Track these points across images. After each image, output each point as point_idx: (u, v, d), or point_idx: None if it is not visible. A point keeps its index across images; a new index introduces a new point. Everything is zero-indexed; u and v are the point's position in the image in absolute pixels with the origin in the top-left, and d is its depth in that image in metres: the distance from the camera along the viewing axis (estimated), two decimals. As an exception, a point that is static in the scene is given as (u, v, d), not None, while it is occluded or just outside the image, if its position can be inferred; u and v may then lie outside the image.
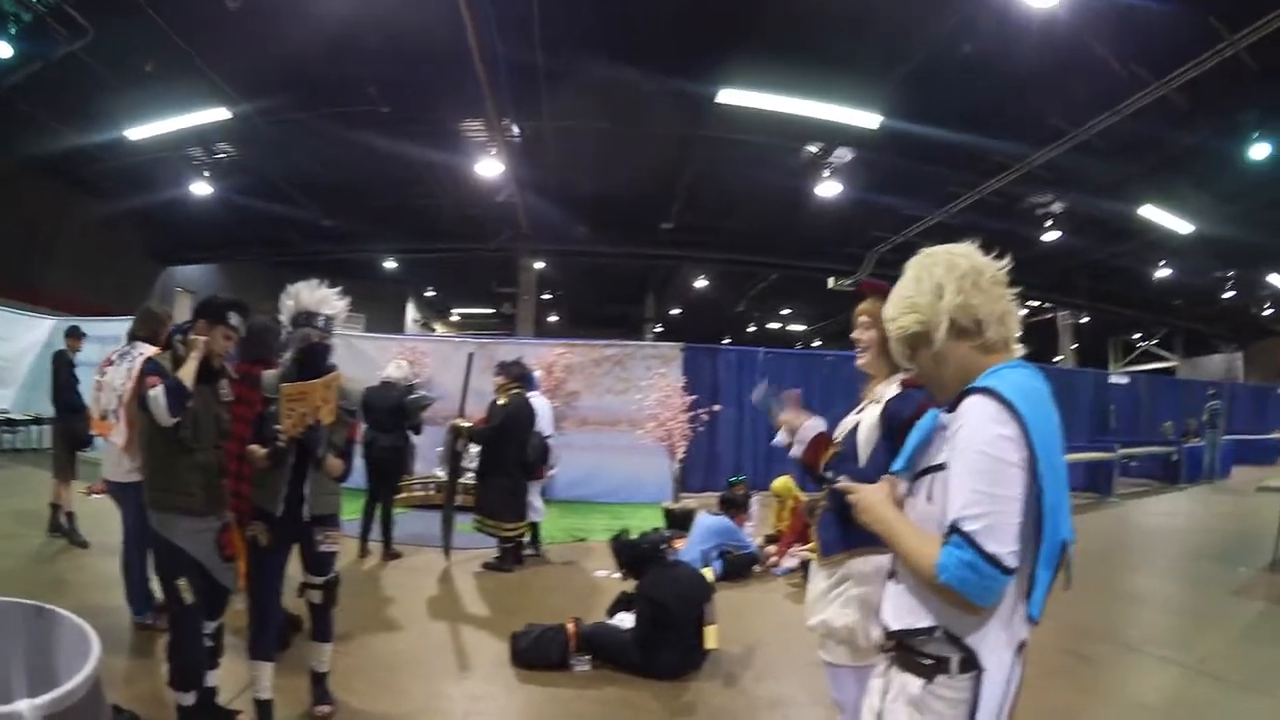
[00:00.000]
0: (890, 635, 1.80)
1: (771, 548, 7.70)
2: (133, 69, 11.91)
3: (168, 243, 21.89)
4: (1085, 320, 25.45)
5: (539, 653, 4.82)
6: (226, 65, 11.65)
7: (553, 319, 29.14)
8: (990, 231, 12.98)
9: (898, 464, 1.93)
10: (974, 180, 13.80)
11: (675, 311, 30.32)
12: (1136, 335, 30.78)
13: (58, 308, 15.98)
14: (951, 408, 1.72)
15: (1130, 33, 9.20)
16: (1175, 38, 8.97)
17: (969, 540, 1.53)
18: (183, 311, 23.82)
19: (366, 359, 10.77)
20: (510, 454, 7.18)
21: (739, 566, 7.25)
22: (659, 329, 29.08)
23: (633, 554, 5.29)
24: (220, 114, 12.96)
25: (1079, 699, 4.53)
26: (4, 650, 2.05)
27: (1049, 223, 15.85)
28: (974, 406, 1.63)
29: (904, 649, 1.75)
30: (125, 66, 11.90)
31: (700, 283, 24.85)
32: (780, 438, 3.11)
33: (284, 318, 3.85)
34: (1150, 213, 15.79)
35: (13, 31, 10.83)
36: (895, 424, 2.44)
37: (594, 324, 27.08)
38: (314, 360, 3.83)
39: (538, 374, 8.57)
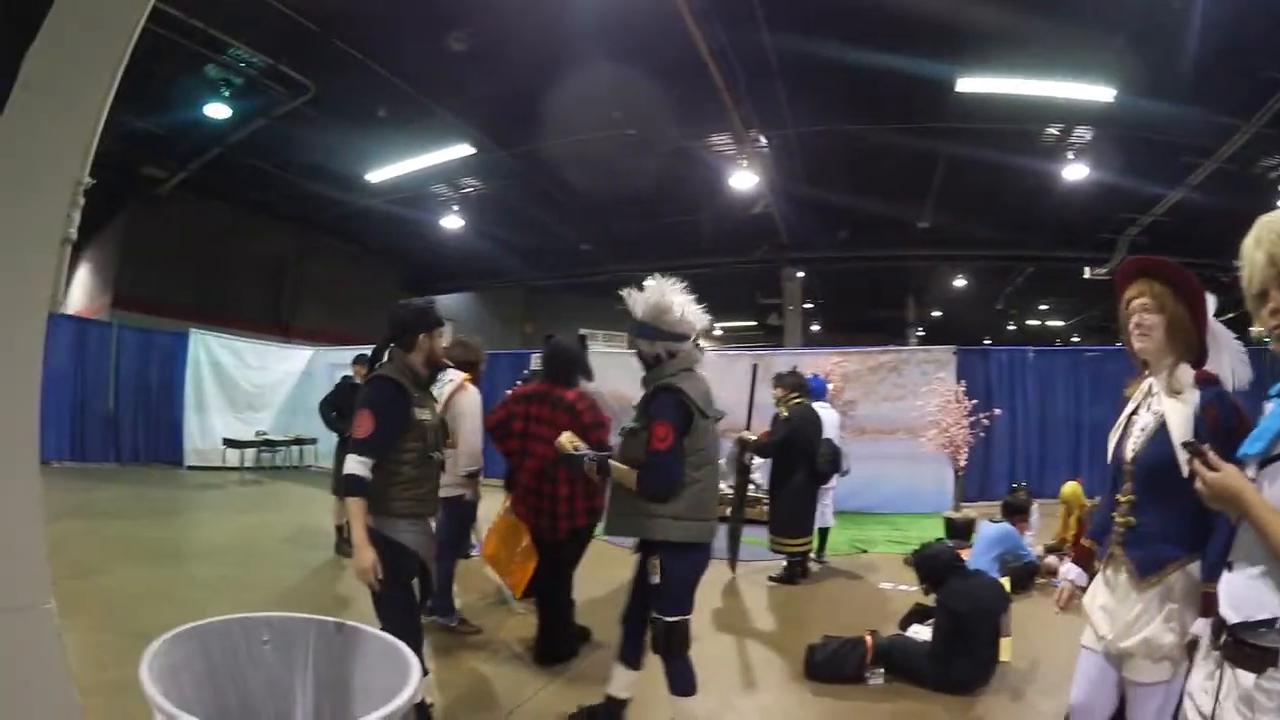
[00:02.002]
0: (1227, 630, 1.69)
1: (1052, 558, 7.17)
2: (363, 116, 12.98)
3: (420, 274, 23.73)
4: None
5: (835, 666, 4.78)
6: (460, 103, 12.40)
7: (815, 328, 28.79)
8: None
9: (1254, 446, 1.72)
10: (1209, 148, 12.34)
11: (936, 314, 29.07)
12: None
13: (308, 339, 18.30)
14: None
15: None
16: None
17: None
18: (444, 341, 25.98)
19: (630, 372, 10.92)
20: (799, 465, 7.10)
21: (1020, 577, 6.81)
22: (920, 333, 27.98)
23: (933, 565, 5.12)
24: (462, 150, 13.82)
25: None
26: (292, 663, 2.18)
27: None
28: None
29: (1238, 643, 1.65)
30: (355, 115, 13.00)
31: (958, 282, 23.77)
32: None
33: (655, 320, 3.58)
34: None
35: (226, 94, 12.21)
36: (1223, 429, 2.22)
37: (856, 331, 26.51)
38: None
39: (830, 385, 8.47)
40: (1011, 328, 31.45)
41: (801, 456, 7.12)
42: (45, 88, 2.14)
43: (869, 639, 4.84)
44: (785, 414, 7.24)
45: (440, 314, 3.72)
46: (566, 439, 3.90)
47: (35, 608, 2.06)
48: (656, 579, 3.52)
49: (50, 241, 2.08)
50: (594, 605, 5.55)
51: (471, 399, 5.49)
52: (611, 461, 3.61)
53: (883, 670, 4.77)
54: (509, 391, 5.77)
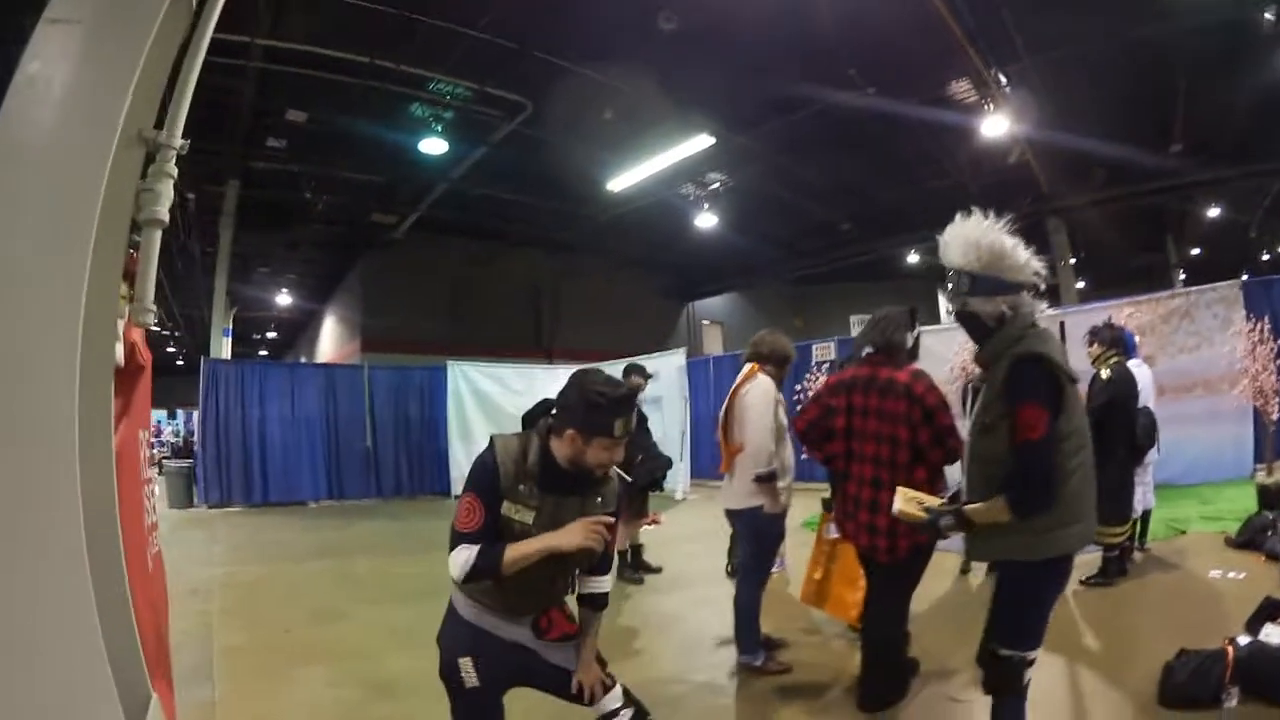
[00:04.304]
0: None
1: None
2: (588, 124, 12.55)
3: (680, 281, 23.56)
4: None
5: (1195, 687, 3.64)
6: (687, 90, 11.67)
7: (1079, 285, 26.38)
8: None
9: None
10: None
11: (1194, 252, 25.91)
12: None
13: (572, 360, 17.88)
14: None
15: None
16: None
17: None
18: (713, 343, 25.69)
19: (935, 356, 9.98)
20: (1118, 436, 5.89)
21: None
22: (1182, 276, 25.01)
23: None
24: (702, 142, 12.95)
25: None
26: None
27: None
28: None
29: None
30: (579, 124, 12.59)
31: (1212, 212, 21.01)
32: None
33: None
34: None
35: (438, 129, 12.12)
36: None
37: (1121, 282, 23.92)
38: None
39: (1136, 337, 7.11)
40: (1266, 258, 27.53)
41: (1121, 426, 5.92)
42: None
43: (1229, 650, 3.71)
44: (1107, 374, 6.06)
45: (615, 422, 2.56)
46: (903, 501, 3.01)
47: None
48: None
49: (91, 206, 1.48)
50: (913, 624, 4.48)
51: (761, 387, 4.70)
52: (968, 508, 2.78)
53: (1237, 688, 3.59)
54: (818, 381, 4.96)
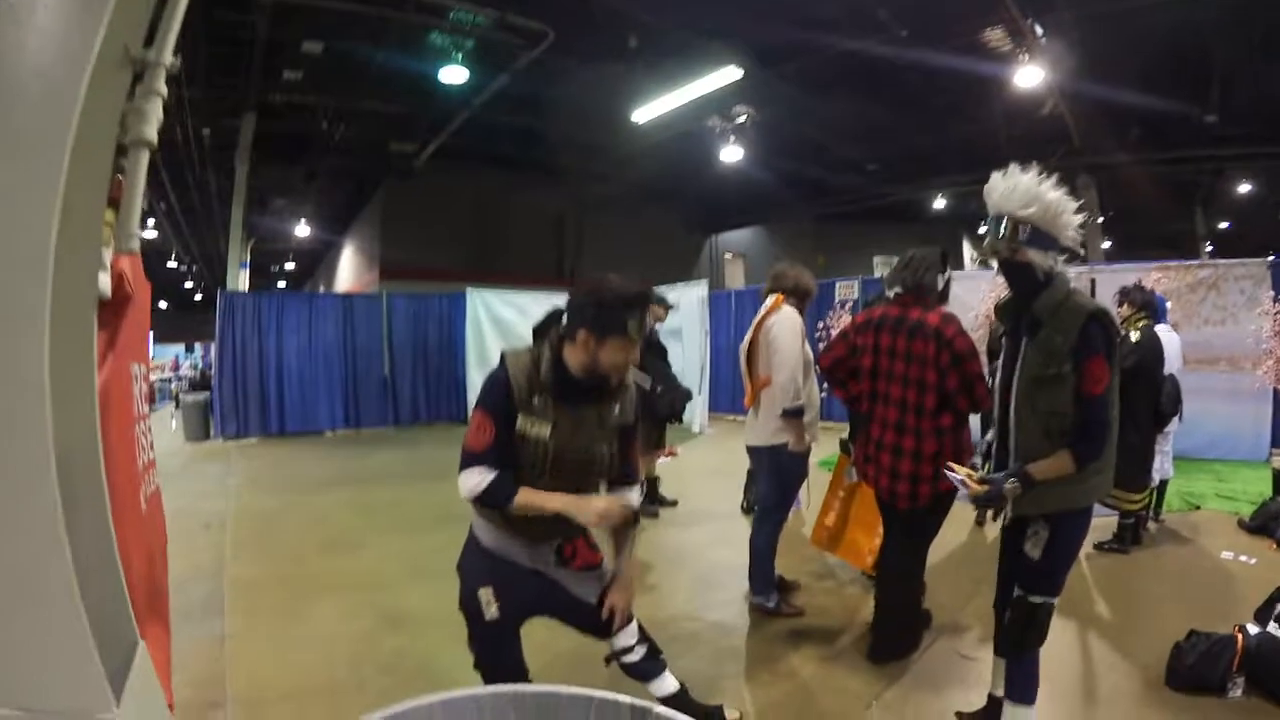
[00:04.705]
0: None
1: None
2: (612, 53, 12.19)
3: (704, 214, 23.37)
4: None
5: (1202, 672, 3.55)
6: (714, 20, 11.29)
7: (1106, 245, 25.96)
8: None
9: None
10: None
11: (1223, 226, 25.36)
12: None
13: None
14: None
15: None
16: None
17: None
18: (735, 277, 25.58)
19: (960, 303, 9.57)
20: (1142, 401, 5.73)
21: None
22: (1209, 248, 24.60)
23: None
24: (729, 75, 12.55)
25: None
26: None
27: None
28: None
29: None
30: (603, 53, 12.24)
31: (1243, 187, 20.69)
32: None
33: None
34: None
35: (459, 58, 11.83)
36: None
37: (1147, 247, 23.53)
38: None
39: (1167, 302, 6.90)
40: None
41: (1146, 391, 5.78)
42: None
43: (1239, 637, 3.62)
44: (1136, 337, 5.87)
45: (629, 321, 2.48)
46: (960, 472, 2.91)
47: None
48: (1038, 554, 2.78)
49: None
50: (927, 575, 4.39)
51: (789, 319, 4.51)
52: (1032, 467, 2.72)
53: (1243, 678, 3.52)
54: (842, 320, 4.80)
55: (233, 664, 3.99)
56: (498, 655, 2.63)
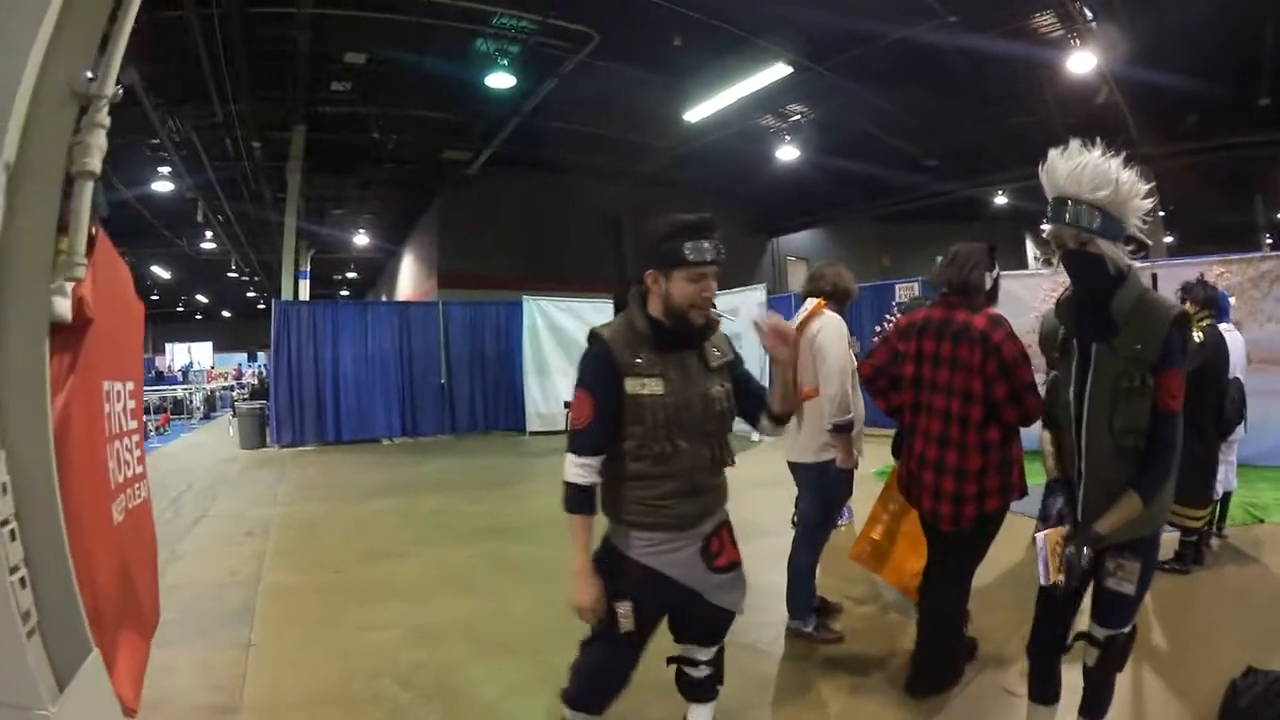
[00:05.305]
0: None
1: None
2: (658, 53, 12.19)
3: (764, 214, 23.31)
4: None
5: (1258, 715, 3.18)
6: (760, 16, 11.21)
7: (1167, 239, 25.15)
8: None
9: None
10: None
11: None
12: None
13: None
14: None
15: None
16: None
17: None
18: (798, 280, 25.44)
19: (1017, 302, 9.42)
20: (1207, 409, 5.27)
21: None
22: (1269, 239, 23.63)
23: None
24: (779, 71, 12.54)
25: None
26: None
27: None
28: None
29: None
30: (649, 53, 12.25)
31: None
32: None
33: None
34: None
35: (504, 63, 11.87)
36: None
37: (1206, 240, 22.74)
38: None
39: (1231, 298, 6.34)
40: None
41: (1211, 397, 5.33)
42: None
43: None
44: (1199, 337, 5.36)
45: (684, 245, 2.40)
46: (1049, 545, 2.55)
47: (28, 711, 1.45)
48: (1132, 588, 2.52)
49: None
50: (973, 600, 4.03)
51: (834, 325, 4.25)
52: (1098, 528, 2.48)
53: None
54: (886, 323, 4.57)
55: (254, 671, 4.04)
56: (618, 663, 2.62)
